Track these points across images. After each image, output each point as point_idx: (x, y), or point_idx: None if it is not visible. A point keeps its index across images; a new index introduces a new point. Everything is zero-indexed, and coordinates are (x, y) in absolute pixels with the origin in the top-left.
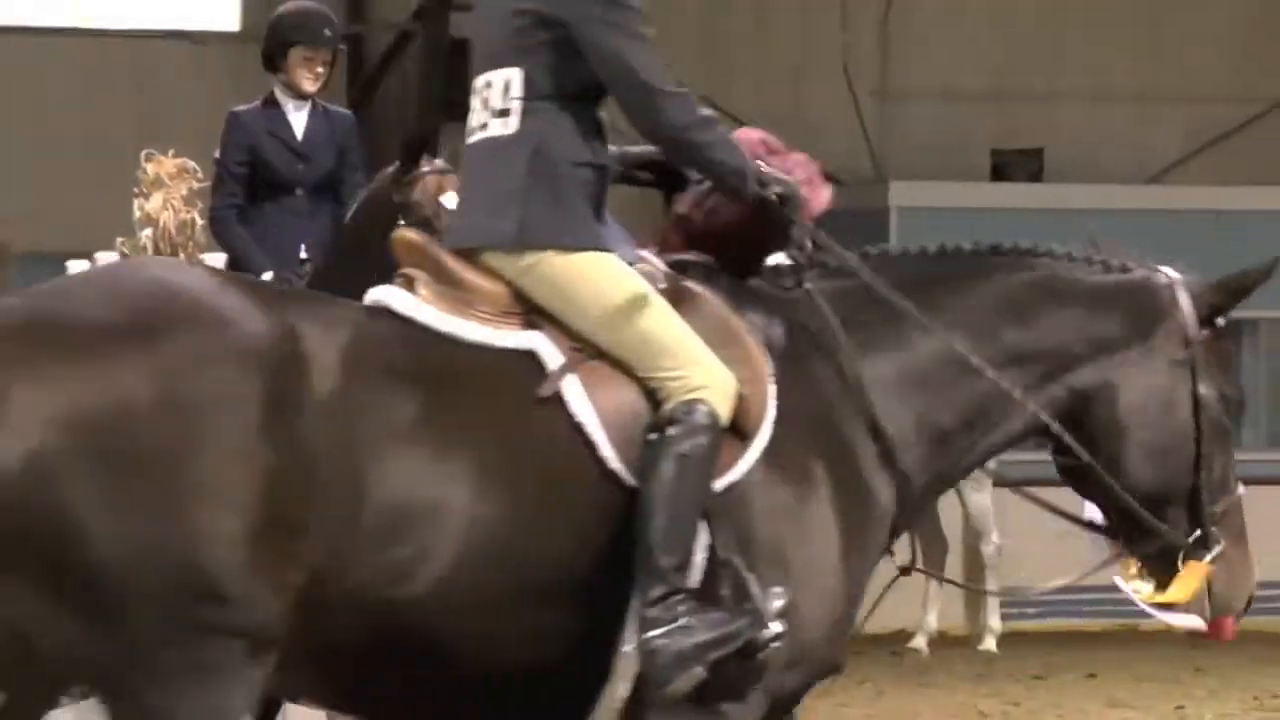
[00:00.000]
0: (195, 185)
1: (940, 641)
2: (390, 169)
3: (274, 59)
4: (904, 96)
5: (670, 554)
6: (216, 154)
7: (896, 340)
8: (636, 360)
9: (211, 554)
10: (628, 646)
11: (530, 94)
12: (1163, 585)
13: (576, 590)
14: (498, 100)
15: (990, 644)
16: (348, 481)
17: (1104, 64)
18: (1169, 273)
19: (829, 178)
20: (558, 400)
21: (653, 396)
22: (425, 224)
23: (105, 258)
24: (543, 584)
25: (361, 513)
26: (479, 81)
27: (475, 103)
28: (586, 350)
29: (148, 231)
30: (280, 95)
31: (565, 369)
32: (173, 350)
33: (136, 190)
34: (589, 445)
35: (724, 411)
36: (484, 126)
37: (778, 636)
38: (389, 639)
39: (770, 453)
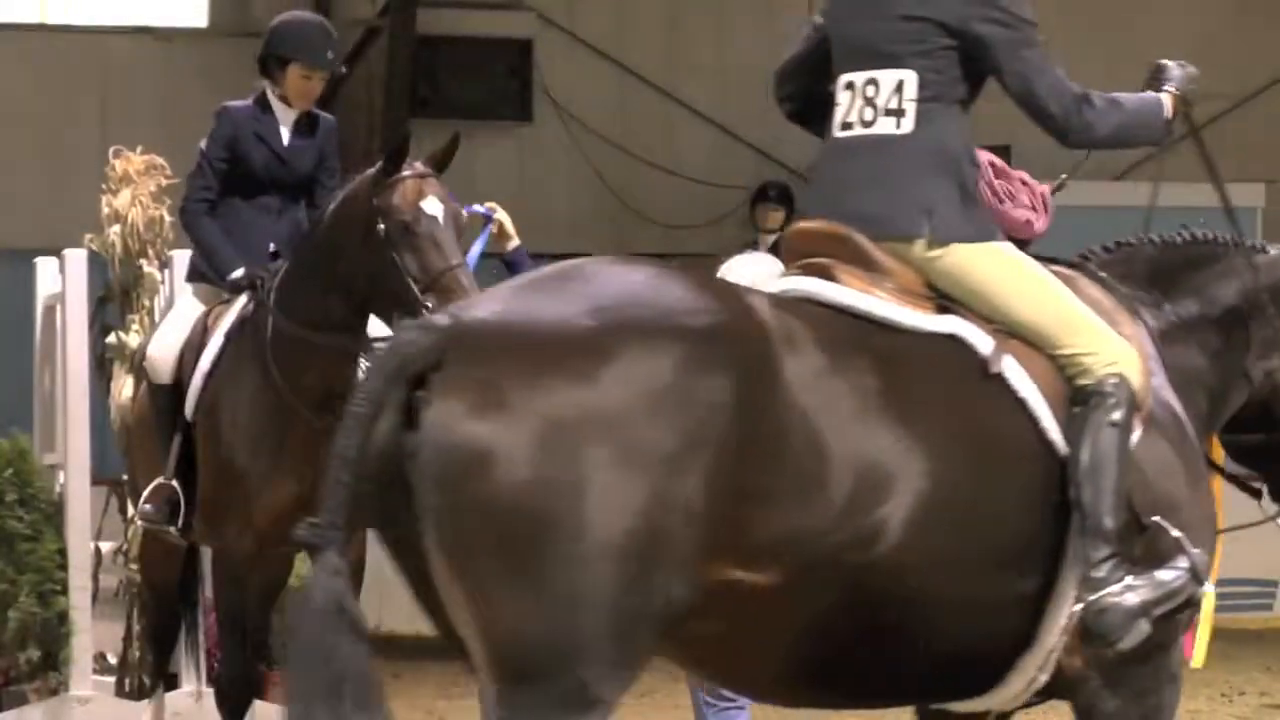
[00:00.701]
0: (163, 182)
1: None
2: (371, 171)
3: (269, 68)
4: None
5: (1112, 518)
6: (202, 144)
7: (1165, 329)
8: (1049, 339)
9: (676, 545)
10: (1076, 606)
11: (923, 96)
12: None
13: (1018, 556)
14: (888, 99)
15: None
16: (817, 450)
17: (1070, 61)
18: None
19: (796, 174)
20: (999, 378)
21: (1062, 371)
22: (403, 228)
23: (73, 254)
24: (990, 550)
25: (830, 479)
26: (855, 78)
27: (848, 97)
28: (1003, 332)
29: (116, 228)
30: (272, 99)
31: (999, 350)
32: (646, 343)
33: (105, 187)
34: (1031, 419)
35: (1136, 383)
36: (869, 124)
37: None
38: (855, 605)
39: (1148, 421)
